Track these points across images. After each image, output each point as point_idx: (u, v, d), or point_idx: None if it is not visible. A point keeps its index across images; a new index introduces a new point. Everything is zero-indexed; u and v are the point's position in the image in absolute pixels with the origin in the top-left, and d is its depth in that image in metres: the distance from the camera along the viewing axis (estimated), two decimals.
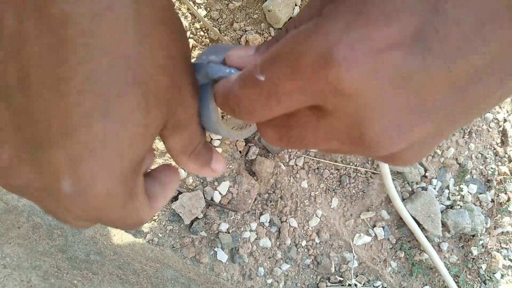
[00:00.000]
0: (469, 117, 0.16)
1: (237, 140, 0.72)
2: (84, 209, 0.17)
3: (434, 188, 0.89)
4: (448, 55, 0.13)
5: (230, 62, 0.20)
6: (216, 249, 0.71)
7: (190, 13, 0.67)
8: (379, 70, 0.13)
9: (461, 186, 0.92)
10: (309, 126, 0.17)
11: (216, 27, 0.69)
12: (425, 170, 0.88)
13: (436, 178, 0.89)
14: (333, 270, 0.81)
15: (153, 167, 0.23)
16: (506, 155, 0.96)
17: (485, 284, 0.94)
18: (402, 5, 0.13)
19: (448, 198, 0.91)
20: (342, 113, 0.15)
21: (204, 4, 0.68)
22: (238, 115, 0.18)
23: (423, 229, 0.86)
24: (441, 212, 0.88)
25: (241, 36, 0.70)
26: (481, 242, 0.93)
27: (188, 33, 0.67)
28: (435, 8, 0.13)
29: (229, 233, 0.72)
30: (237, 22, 0.70)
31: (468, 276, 0.93)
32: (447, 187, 0.91)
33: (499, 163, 0.96)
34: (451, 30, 0.13)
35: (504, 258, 0.97)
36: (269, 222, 0.76)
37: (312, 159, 0.78)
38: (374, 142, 0.15)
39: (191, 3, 0.67)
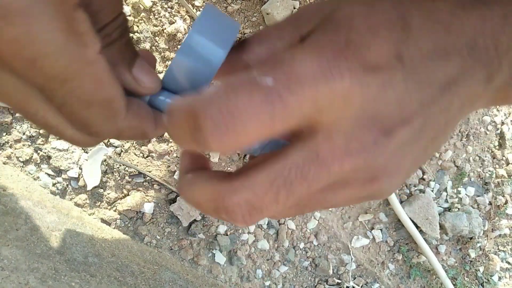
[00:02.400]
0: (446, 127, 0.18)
1: None
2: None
3: (432, 191, 0.89)
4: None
5: None
6: (214, 251, 0.71)
7: (188, 15, 0.67)
8: None
9: (459, 188, 0.92)
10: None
11: None
12: (423, 173, 0.89)
13: (434, 180, 0.90)
14: (331, 272, 0.81)
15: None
16: (504, 158, 0.96)
17: (483, 286, 0.94)
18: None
19: (446, 201, 0.91)
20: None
21: (202, 7, 0.68)
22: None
23: (421, 231, 0.87)
24: (439, 214, 0.88)
25: (240, 38, 0.70)
26: (478, 244, 0.94)
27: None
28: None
29: (227, 235, 0.72)
30: None
31: (466, 279, 0.94)
32: (445, 190, 0.91)
33: (497, 166, 0.96)
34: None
35: (502, 261, 0.97)
36: (267, 224, 0.76)
37: None
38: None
39: (189, 5, 0.67)
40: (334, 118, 0.15)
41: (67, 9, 0.15)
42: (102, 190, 0.64)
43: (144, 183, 0.66)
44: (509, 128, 0.95)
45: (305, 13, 0.18)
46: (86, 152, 0.63)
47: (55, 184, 0.61)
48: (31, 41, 0.15)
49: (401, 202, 0.87)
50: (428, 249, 0.85)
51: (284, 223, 0.77)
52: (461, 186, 0.92)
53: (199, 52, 0.19)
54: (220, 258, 0.71)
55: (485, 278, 0.94)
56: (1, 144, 0.59)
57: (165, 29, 0.66)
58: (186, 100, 0.15)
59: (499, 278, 0.96)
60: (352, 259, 0.82)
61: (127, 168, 0.64)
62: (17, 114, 0.59)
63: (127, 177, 0.65)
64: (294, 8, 0.72)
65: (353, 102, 0.15)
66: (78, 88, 0.17)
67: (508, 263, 0.98)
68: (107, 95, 0.18)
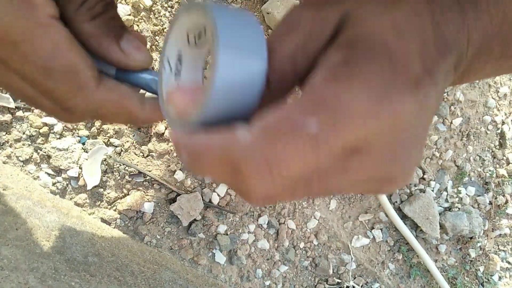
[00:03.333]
0: None
1: None
2: None
3: (432, 191, 0.89)
4: None
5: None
6: (214, 251, 0.71)
7: None
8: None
9: (459, 188, 0.92)
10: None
11: None
12: (423, 173, 0.89)
13: (434, 180, 0.90)
14: (331, 272, 0.81)
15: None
16: (504, 158, 0.96)
17: (483, 286, 0.94)
18: None
19: (446, 200, 0.91)
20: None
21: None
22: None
23: (421, 231, 0.86)
24: (439, 214, 0.88)
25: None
26: (479, 244, 0.94)
27: None
28: None
29: (227, 234, 0.72)
30: None
31: (466, 278, 0.94)
32: (445, 190, 0.91)
33: (497, 166, 0.96)
34: None
35: (502, 260, 0.97)
36: (267, 224, 0.76)
37: None
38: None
39: None
40: (377, 141, 0.15)
41: None
42: (102, 189, 0.64)
43: (144, 183, 0.66)
44: (509, 128, 0.95)
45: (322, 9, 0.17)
46: (86, 152, 0.63)
47: (55, 183, 0.61)
48: None
49: (401, 201, 0.87)
50: (424, 252, 0.85)
51: (284, 223, 0.77)
52: (462, 186, 0.92)
53: (238, 75, 0.15)
54: (220, 257, 0.71)
55: (485, 277, 0.94)
56: (1, 144, 0.59)
57: (165, 28, 0.66)
58: (219, 141, 0.14)
59: (499, 278, 0.96)
60: (352, 258, 0.82)
61: (127, 168, 0.64)
62: (17, 113, 0.59)
63: (127, 177, 0.65)
64: None
65: (398, 128, 0.15)
66: (32, 52, 0.17)
67: (509, 262, 0.98)
68: (67, 63, 0.18)
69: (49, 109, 0.21)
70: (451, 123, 0.89)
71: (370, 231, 0.85)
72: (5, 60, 0.17)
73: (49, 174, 0.61)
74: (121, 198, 0.65)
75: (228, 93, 0.15)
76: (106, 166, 0.63)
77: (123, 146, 0.65)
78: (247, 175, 0.14)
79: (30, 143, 0.60)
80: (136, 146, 0.66)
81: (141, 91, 0.23)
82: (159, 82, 0.21)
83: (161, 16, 0.65)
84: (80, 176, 0.62)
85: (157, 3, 0.65)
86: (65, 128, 0.62)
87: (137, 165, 0.65)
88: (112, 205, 0.64)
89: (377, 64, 0.14)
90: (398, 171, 0.16)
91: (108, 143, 0.64)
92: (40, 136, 0.60)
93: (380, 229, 0.85)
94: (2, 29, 0.16)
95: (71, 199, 0.62)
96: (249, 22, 0.17)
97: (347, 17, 0.16)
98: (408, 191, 0.87)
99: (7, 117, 0.58)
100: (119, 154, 0.65)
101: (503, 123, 0.95)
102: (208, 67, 0.16)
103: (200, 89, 0.19)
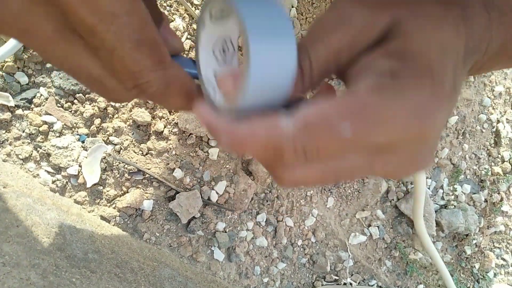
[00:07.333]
0: None
1: None
2: None
3: (429, 188, 0.90)
4: None
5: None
6: (213, 248, 0.72)
7: (187, 14, 0.68)
8: None
9: (455, 186, 0.93)
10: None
11: None
12: None
13: (430, 178, 0.90)
14: (328, 269, 0.81)
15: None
16: (499, 156, 0.97)
17: (478, 283, 0.95)
18: None
19: (442, 198, 0.92)
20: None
21: (201, 5, 0.69)
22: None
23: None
24: (435, 211, 0.89)
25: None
26: (474, 241, 0.95)
27: (186, 34, 0.68)
28: None
29: (226, 232, 0.73)
30: None
31: (462, 275, 0.95)
32: (441, 187, 0.92)
33: (493, 164, 0.97)
34: None
35: (497, 257, 0.98)
36: (265, 221, 0.76)
37: None
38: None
39: (188, 4, 0.67)
40: (404, 147, 0.17)
41: None
42: (101, 187, 0.64)
43: (143, 181, 0.66)
44: (504, 126, 0.96)
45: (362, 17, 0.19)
46: (86, 150, 0.63)
47: (54, 181, 0.61)
48: None
49: (397, 199, 0.88)
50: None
51: (282, 221, 0.78)
52: (457, 184, 0.93)
53: (271, 61, 0.16)
54: (219, 255, 0.72)
55: (480, 274, 0.95)
56: (1, 142, 0.59)
57: None
58: (263, 130, 0.16)
59: (495, 275, 0.97)
60: (349, 256, 0.83)
61: (126, 166, 0.65)
62: (17, 112, 0.59)
63: (126, 175, 0.65)
64: (292, 7, 0.72)
65: (424, 139, 0.17)
66: (128, 25, 0.17)
67: (503, 259, 0.99)
68: (153, 35, 0.18)
69: (112, 88, 0.20)
70: (447, 121, 0.90)
71: (367, 229, 0.86)
72: (94, 32, 0.16)
73: (48, 172, 0.61)
74: (120, 196, 0.65)
75: (264, 80, 0.17)
76: (106, 164, 0.64)
77: (123, 144, 0.65)
78: (287, 162, 0.16)
79: (29, 141, 0.60)
80: (135, 144, 0.66)
81: None
82: (198, 71, 0.21)
83: None
84: (79, 174, 0.62)
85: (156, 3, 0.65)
86: (64, 126, 0.62)
87: (136, 163, 0.66)
88: (111, 203, 0.65)
89: (420, 83, 0.16)
90: (415, 166, 0.19)
91: (108, 141, 0.64)
92: (39, 134, 0.61)
93: (377, 226, 0.86)
94: (107, 5, 0.16)
95: (70, 196, 0.63)
96: (271, 3, 0.17)
97: (398, 25, 0.18)
98: (405, 188, 0.88)
99: (7, 115, 0.58)
100: (119, 152, 0.65)
101: (498, 121, 0.96)
102: (242, 53, 0.17)
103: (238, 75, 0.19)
